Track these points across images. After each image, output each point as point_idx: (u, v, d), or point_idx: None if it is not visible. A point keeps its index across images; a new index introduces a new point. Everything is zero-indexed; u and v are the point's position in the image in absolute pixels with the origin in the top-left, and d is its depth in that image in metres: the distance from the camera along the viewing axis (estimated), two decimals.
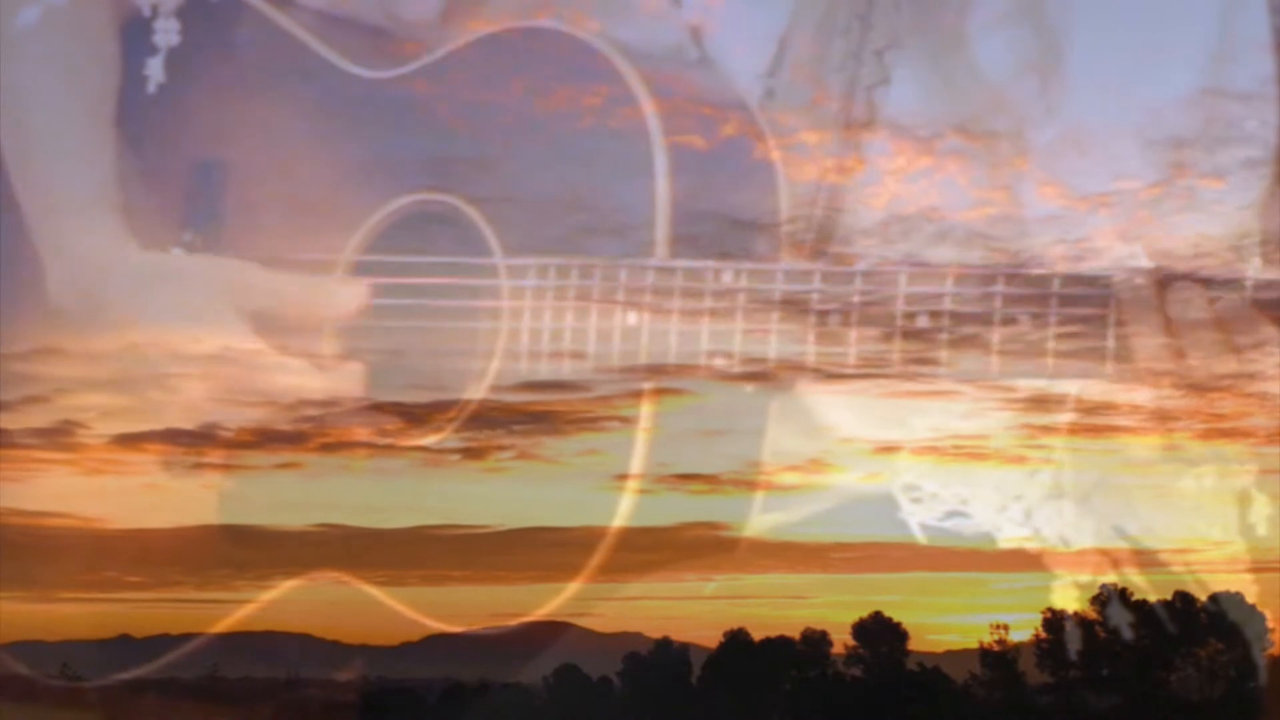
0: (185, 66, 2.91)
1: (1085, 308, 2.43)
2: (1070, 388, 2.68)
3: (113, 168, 2.90)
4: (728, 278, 2.61)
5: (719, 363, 2.62)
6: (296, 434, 2.95)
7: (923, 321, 2.50)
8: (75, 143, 2.92)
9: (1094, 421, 2.86)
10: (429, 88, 2.84)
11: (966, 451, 2.99)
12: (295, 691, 3.82)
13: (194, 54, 2.91)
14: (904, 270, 2.53)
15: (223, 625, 3.05)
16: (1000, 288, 2.47)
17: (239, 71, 2.93)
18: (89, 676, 3.26)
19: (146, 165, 2.93)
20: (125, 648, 3.53)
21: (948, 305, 2.49)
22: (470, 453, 3.02)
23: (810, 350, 2.57)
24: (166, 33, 2.91)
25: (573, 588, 2.80)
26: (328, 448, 2.97)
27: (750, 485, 2.90)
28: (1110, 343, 2.41)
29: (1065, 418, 2.84)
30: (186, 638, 3.18)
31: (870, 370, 2.57)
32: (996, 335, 2.47)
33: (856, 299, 2.53)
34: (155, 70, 2.90)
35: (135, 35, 2.92)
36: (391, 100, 2.86)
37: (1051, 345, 2.44)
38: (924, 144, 2.80)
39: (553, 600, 2.83)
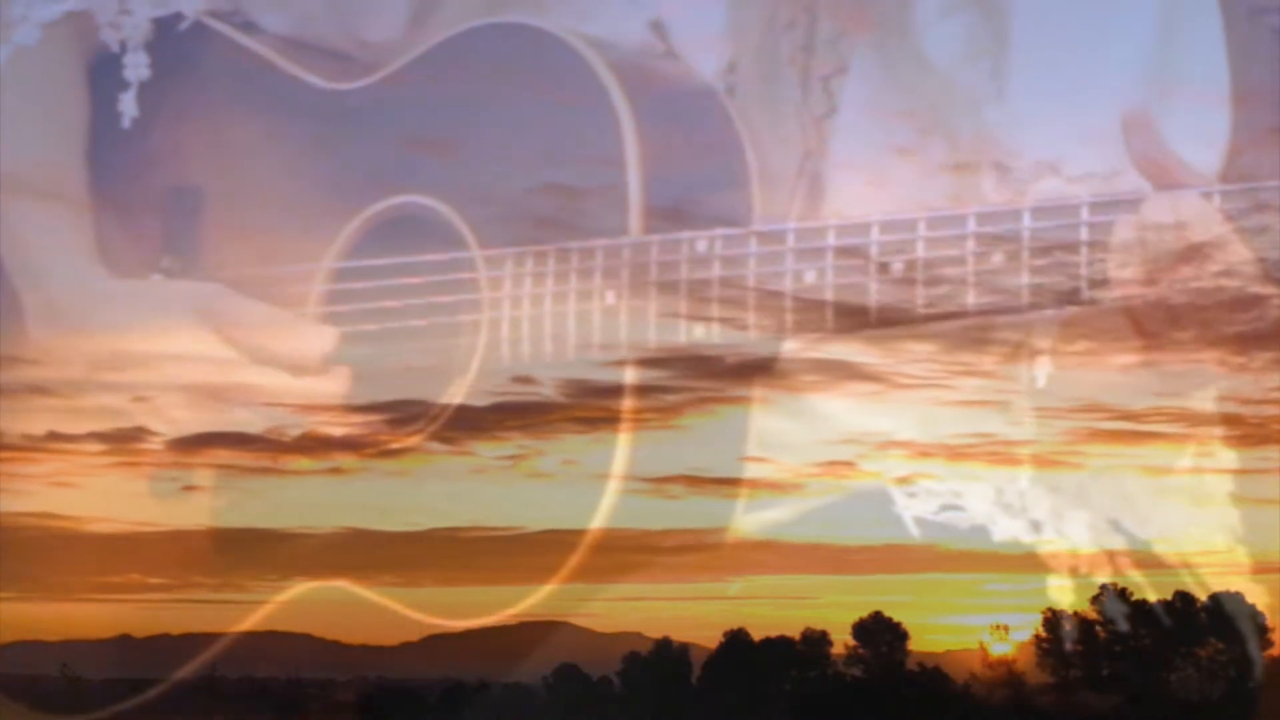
0: (157, 98, 2.95)
1: (1057, 238, 2.41)
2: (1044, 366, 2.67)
3: (88, 203, 2.95)
4: (702, 246, 2.61)
5: (699, 333, 2.63)
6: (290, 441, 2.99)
7: (898, 268, 2.50)
8: (49, 182, 2.96)
9: (1099, 426, 2.88)
10: (398, 92, 2.86)
11: (963, 449, 2.98)
12: (295, 691, 3.84)
13: (165, 85, 2.95)
14: (875, 220, 2.52)
15: (226, 627, 3.08)
16: (972, 227, 2.45)
17: (210, 98, 2.98)
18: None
19: (124, 197, 2.97)
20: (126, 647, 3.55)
21: (922, 251, 2.48)
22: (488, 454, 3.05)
23: (789, 318, 2.57)
24: (136, 67, 2.95)
25: (577, 588, 2.82)
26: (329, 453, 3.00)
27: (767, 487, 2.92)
28: (1084, 272, 2.39)
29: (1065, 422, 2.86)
30: (187, 638, 3.20)
31: (851, 332, 2.57)
32: (971, 274, 2.45)
33: (830, 255, 2.53)
34: (128, 105, 2.94)
35: (105, 71, 2.96)
36: (361, 109, 2.89)
37: (1026, 280, 2.42)
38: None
39: (557, 601, 2.84)
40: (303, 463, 3.00)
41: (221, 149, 2.96)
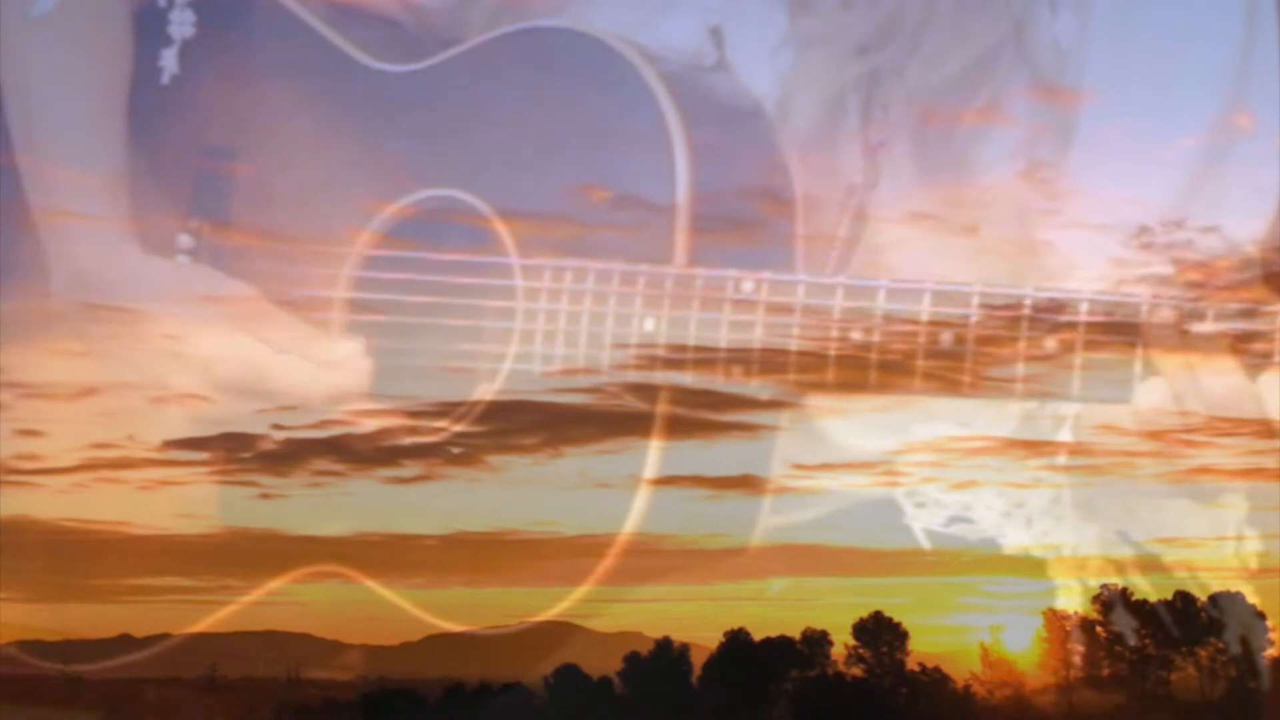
0: (200, 57, 2.91)
1: (1113, 334, 2.42)
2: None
3: (124, 163, 2.90)
4: (748, 287, 2.59)
5: (737, 371, 2.61)
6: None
7: (946, 340, 2.49)
8: (87, 138, 2.91)
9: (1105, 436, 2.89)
10: (443, 84, 2.83)
11: (974, 458, 2.99)
12: (296, 691, 3.82)
13: (208, 45, 2.90)
14: (928, 288, 2.51)
15: (233, 624, 3.08)
16: (1027, 310, 2.45)
17: (253, 63, 2.92)
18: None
19: (158, 156, 2.93)
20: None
21: (973, 325, 2.47)
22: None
23: (832, 361, 2.56)
24: (182, 24, 2.90)
25: (585, 590, 2.82)
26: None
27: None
28: (1138, 367, 2.40)
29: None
30: (187, 638, 3.18)
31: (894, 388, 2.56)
32: (1021, 356, 2.45)
33: (879, 315, 2.52)
34: (170, 61, 2.89)
35: (150, 26, 2.91)
36: (405, 96, 2.85)
37: (1079, 367, 2.42)
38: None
39: (565, 602, 2.84)
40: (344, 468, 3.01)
41: (259, 116, 2.91)
